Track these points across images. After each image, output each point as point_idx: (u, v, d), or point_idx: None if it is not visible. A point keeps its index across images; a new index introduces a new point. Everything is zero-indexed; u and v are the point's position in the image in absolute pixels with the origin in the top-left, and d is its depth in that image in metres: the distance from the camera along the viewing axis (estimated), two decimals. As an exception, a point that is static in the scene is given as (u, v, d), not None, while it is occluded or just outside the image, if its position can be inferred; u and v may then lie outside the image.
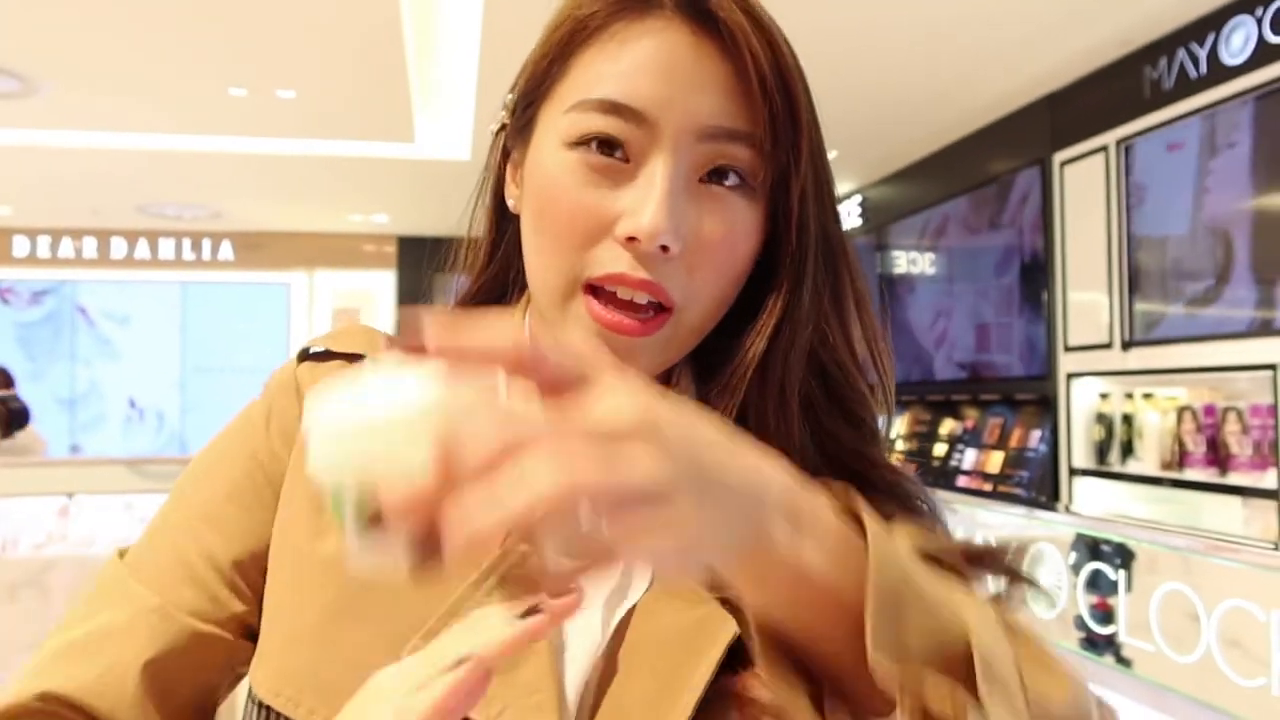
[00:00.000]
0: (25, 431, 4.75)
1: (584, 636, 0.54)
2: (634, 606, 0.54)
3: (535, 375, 0.36)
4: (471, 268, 0.67)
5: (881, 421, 0.63)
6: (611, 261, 0.53)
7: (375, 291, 8.15)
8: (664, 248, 0.52)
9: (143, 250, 7.88)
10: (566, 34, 0.56)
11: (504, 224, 0.64)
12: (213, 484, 0.61)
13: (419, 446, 0.33)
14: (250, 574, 0.58)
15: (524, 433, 0.33)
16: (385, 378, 0.35)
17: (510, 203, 0.62)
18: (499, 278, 0.66)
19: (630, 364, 0.54)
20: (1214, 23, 3.34)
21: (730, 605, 0.53)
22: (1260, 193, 3.18)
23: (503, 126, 0.63)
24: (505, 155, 0.63)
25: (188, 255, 7.94)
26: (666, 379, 0.60)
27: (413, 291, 8.03)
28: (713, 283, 0.55)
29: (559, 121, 0.55)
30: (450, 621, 0.50)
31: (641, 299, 0.53)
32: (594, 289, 0.54)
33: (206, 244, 7.95)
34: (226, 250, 7.98)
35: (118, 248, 7.85)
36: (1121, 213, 3.78)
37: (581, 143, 0.54)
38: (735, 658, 0.52)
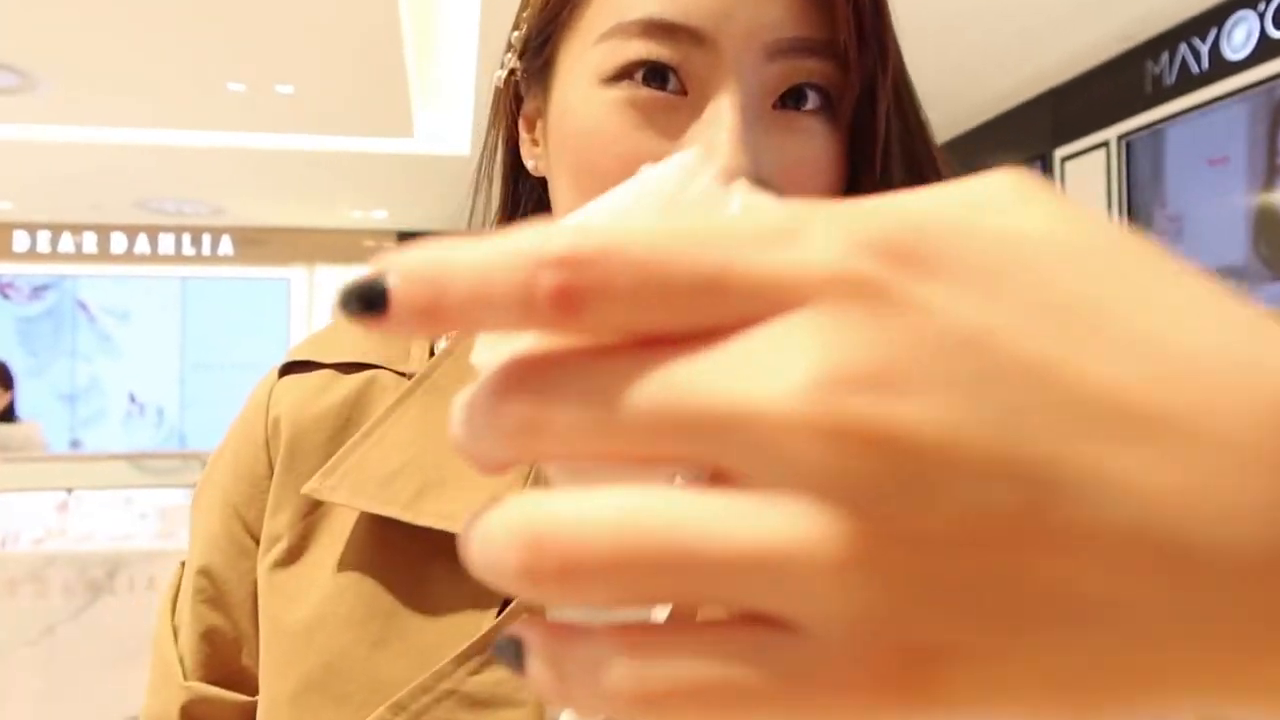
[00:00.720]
0: (24, 426, 4.74)
1: None
2: None
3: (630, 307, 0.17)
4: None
5: None
6: None
7: (375, 287, 8.13)
8: None
9: (143, 245, 7.86)
10: None
11: (520, 191, 0.53)
12: (204, 539, 0.54)
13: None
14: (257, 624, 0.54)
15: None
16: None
17: (530, 164, 0.51)
18: None
19: None
20: (1216, 18, 3.33)
21: None
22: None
23: (511, 72, 0.51)
24: (517, 105, 0.52)
25: (188, 250, 7.92)
26: None
27: (413, 287, 7.99)
28: None
29: (590, 55, 0.44)
30: (421, 698, 0.45)
31: None
32: None
33: (206, 239, 7.94)
34: (226, 246, 7.97)
35: (118, 243, 7.83)
36: (1122, 209, 3.76)
37: (623, 75, 0.43)
38: None
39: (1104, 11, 3.41)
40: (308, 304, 8.14)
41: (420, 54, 4.26)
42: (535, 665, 0.17)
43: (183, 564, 0.57)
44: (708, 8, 0.42)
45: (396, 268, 0.17)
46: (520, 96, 0.51)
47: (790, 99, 0.44)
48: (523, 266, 0.16)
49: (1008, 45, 3.75)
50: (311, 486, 0.48)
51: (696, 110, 0.43)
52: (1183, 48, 3.47)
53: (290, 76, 4.26)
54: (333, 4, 3.46)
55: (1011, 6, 3.37)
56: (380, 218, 7.65)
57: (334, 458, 0.49)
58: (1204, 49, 3.38)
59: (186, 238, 7.90)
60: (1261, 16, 3.14)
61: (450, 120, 5.07)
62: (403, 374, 0.53)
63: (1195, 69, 3.42)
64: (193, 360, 7.99)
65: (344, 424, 0.51)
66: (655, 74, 0.43)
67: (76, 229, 7.75)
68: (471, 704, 0.45)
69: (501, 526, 0.16)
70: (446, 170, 5.67)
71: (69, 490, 4.09)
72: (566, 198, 0.46)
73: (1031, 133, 4.34)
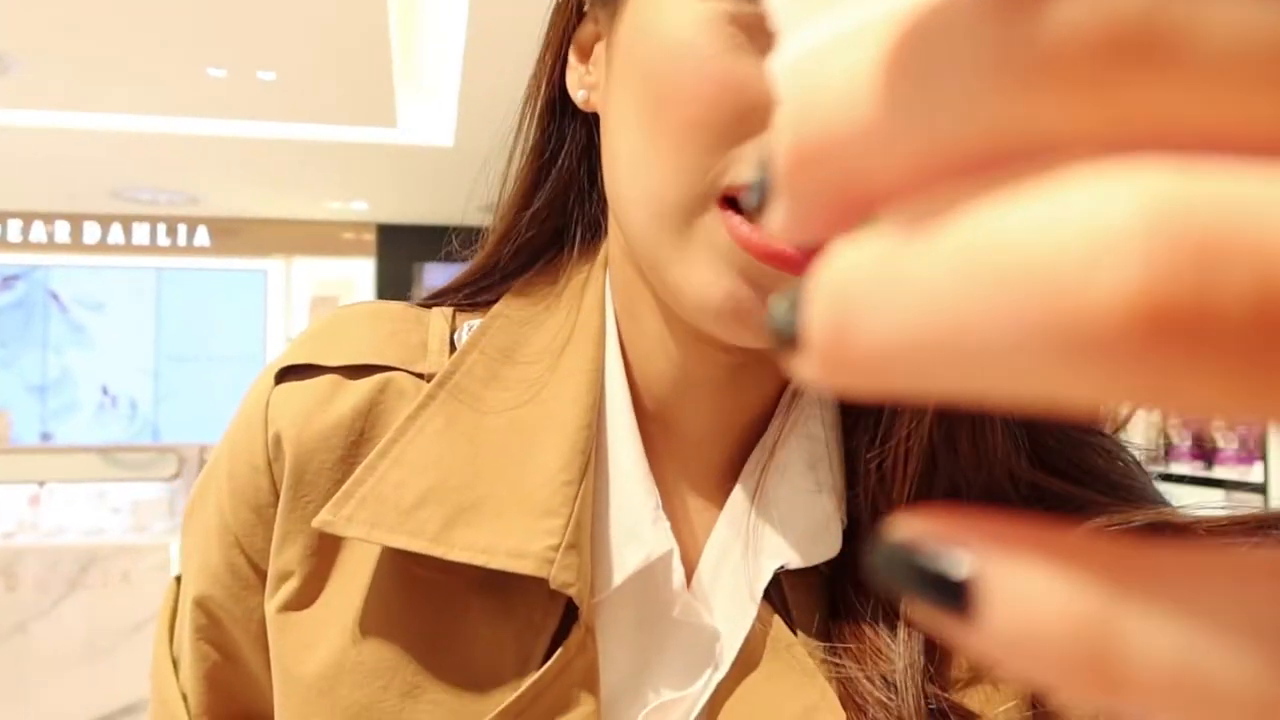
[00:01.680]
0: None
1: None
2: (719, 693, 0.42)
3: None
4: (509, 203, 0.48)
5: None
6: None
7: (354, 280, 8.06)
8: None
9: (116, 235, 7.74)
10: None
11: (561, 133, 0.47)
12: (201, 567, 0.47)
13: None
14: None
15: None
16: None
17: (579, 96, 0.44)
18: (554, 209, 0.48)
19: None
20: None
21: (846, 687, 0.40)
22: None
23: None
24: (575, 22, 0.45)
25: (163, 241, 7.81)
26: None
27: (392, 280, 7.94)
28: None
29: None
30: None
31: None
32: (732, 201, 0.36)
33: (182, 229, 7.82)
34: (203, 236, 7.86)
35: (91, 232, 7.71)
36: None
37: None
38: None
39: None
40: (285, 296, 8.05)
41: (405, 43, 4.20)
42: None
43: (177, 579, 0.50)
44: None
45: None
46: (581, 14, 0.44)
47: None
48: None
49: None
50: (323, 520, 0.41)
51: None
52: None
53: (273, 63, 4.19)
54: (317, -12, 3.41)
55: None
56: (360, 209, 7.57)
57: (348, 483, 0.42)
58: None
59: (162, 228, 7.79)
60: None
61: (434, 111, 5.01)
62: (421, 375, 0.46)
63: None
64: (167, 352, 7.87)
65: (357, 439, 0.44)
66: None
67: (48, 218, 7.61)
68: None
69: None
70: (429, 162, 5.60)
71: (40, 483, 4.02)
72: (635, 136, 0.39)
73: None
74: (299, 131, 5.27)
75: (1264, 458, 3.07)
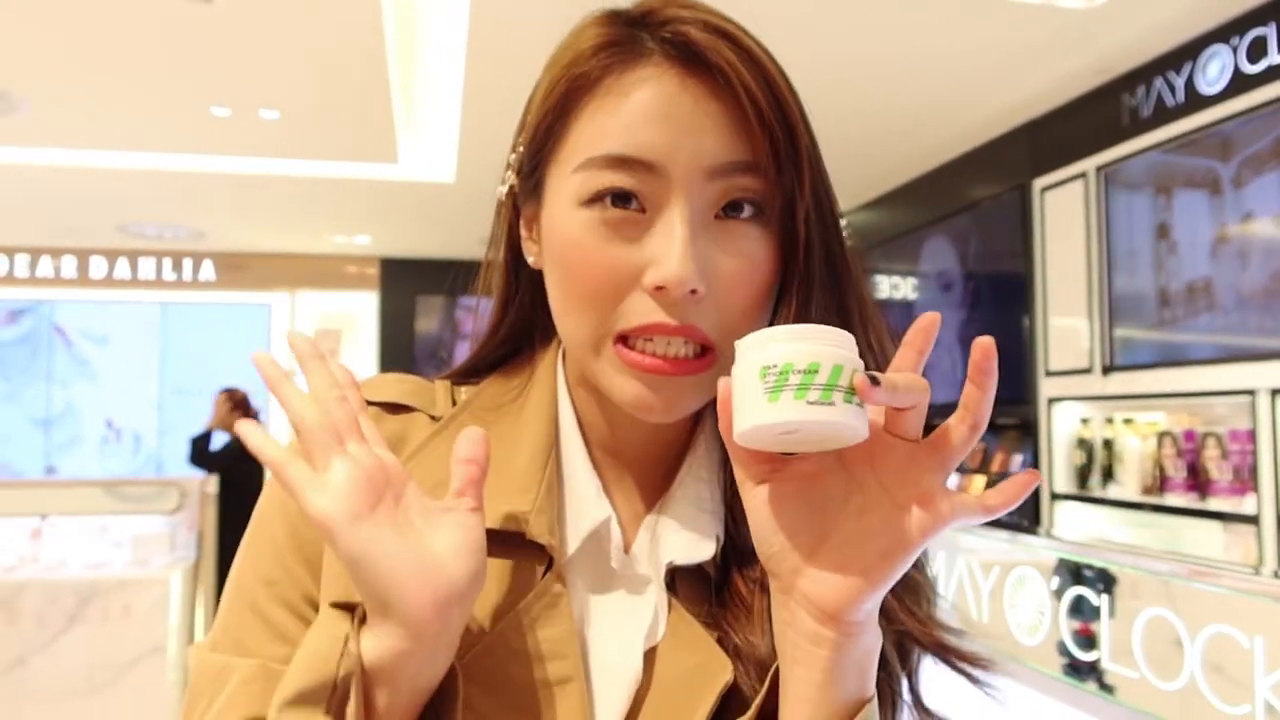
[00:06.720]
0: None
1: (614, 674, 0.57)
2: (656, 648, 0.57)
3: None
4: (491, 317, 0.68)
5: None
6: (645, 313, 0.54)
7: (357, 313, 8.11)
8: (693, 291, 0.53)
9: (122, 270, 7.81)
10: (562, 93, 0.57)
11: (520, 275, 0.66)
12: (267, 542, 0.60)
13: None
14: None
15: None
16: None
17: (530, 259, 0.63)
18: (523, 323, 0.68)
19: (677, 406, 0.57)
20: (1190, 52, 3.39)
21: (730, 649, 0.57)
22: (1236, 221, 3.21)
23: (511, 188, 0.64)
24: (516, 212, 0.64)
25: (168, 275, 7.88)
26: (698, 418, 0.63)
27: (395, 313, 7.99)
28: (741, 314, 0.56)
29: (568, 182, 0.56)
30: (472, 649, 0.55)
31: (678, 345, 0.55)
32: (623, 338, 0.56)
33: (188, 264, 7.89)
34: (208, 270, 7.93)
35: (97, 267, 7.78)
36: (1101, 239, 3.81)
37: (595, 200, 0.55)
38: (736, 702, 0.55)
39: (1080, 45, 3.47)
40: (289, 328, 8.08)
41: (405, 80, 4.27)
42: None
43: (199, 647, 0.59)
44: (656, 144, 0.54)
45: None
46: (518, 206, 0.64)
47: (729, 210, 0.56)
48: None
49: (986, 78, 3.81)
50: None
51: (653, 224, 0.55)
52: (1158, 81, 3.53)
53: (275, 102, 4.26)
54: (318, 30, 3.47)
55: (989, 40, 3.42)
56: (363, 243, 7.64)
57: None
58: (1179, 82, 3.44)
59: (167, 262, 7.86)
60: (1235, 50, 3.20)
61: (435, 147, 5.08)
62: (434, 417, 0.64)
63: (1170, 101, 3.47)
64: (172, 386, 7.91)
65: (392, 450, 0.60)
66: (620, 198, 0.54)
67: (55, 253, 7.69)
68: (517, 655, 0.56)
69: None
70: (430, 197, 5.67)
71: (43, 516, 4.04)
72: (556, 294, 0.59)
73: (1010, 163, 4.39)
74: (302, 168, 5.34)
75: (1256, 489, 3.07)
